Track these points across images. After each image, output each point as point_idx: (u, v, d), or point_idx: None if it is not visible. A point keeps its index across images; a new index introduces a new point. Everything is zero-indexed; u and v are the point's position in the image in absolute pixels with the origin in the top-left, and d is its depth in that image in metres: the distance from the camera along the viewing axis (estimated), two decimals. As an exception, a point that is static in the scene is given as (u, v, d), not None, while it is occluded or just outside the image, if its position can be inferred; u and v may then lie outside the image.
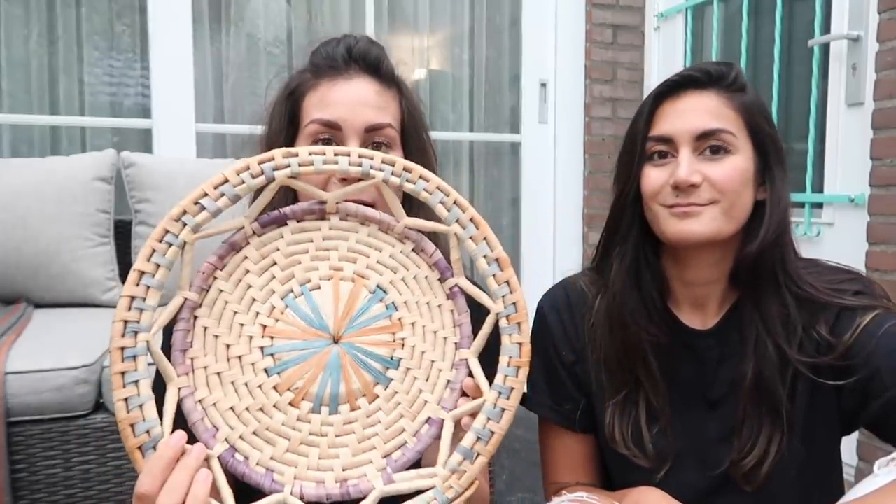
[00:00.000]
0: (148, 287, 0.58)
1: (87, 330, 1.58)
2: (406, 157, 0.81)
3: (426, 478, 0.61)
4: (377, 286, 0.66)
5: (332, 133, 0.79)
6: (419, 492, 0.61)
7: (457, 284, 0.67)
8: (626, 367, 0.83)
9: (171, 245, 0.59)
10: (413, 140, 0.84)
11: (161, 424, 0.57)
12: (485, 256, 0.64)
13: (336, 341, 0.64)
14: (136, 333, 0.57)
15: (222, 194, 0.61)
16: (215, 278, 0.63)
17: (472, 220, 0.65)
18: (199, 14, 2.30)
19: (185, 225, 0.60)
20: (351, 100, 0.79)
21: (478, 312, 0.67)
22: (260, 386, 0.62)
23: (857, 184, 1.78)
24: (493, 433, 0.62)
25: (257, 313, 0.63)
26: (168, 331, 0.62)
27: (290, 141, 0.82)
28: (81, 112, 2.26)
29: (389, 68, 0.83)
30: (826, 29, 1.90)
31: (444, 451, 0.62)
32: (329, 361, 0.63)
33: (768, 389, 0.78)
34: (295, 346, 0.63)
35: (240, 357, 0.62)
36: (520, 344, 0.64)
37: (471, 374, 0.65)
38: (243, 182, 0.61)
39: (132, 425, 0.56)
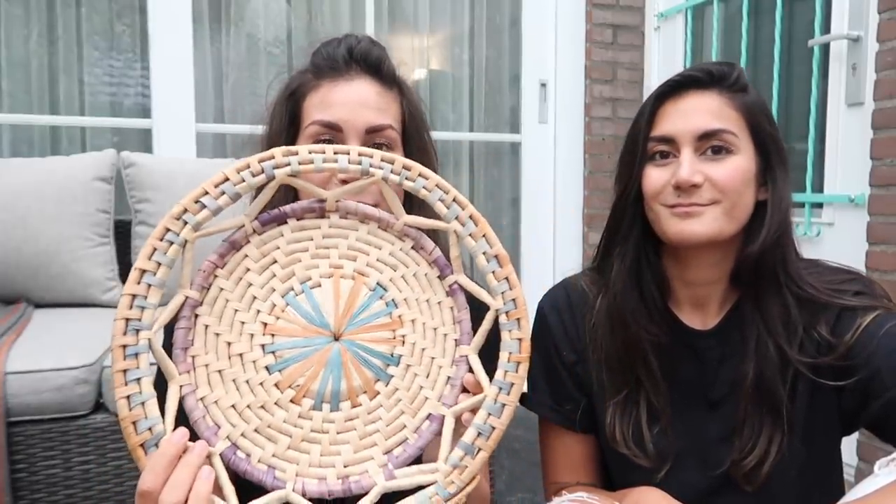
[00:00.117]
0: (149, 285, 0.58)
1: (87, 330, 1.58)
2: (407, 157, 0.81)
3: (427, 473, 0.61)
4: (377, 284, 0.66)
5: (332, 134, 0.79)
6: (420, 487, 0.61)
7: (456, 281, 0.67)
8: (626, 367, 0.83)
9: (172, 243, 0.59)
10: (414, 141, 0.84)
11: (163, 422, 0.57)
12: (484, 253, 0.65)
13: (337, 338, 0.64)
14: (137, 331, 0.57)
15: (223, 193, 0.61)
16: (216, 276, 0.63)
17: (471, 217, 0.65)
18: (199, 14, 2.30)
19: (185, 223, 0.60)
20: (352, 101, 0.79)
21: (478, 310, 0.67)
22: (261, 383, 0.62)
23: (857, 184, 1.78)
24: (493, 428, 0.62)
25: (258, 311, 0.63)
26: (169, 329, 0.62)
27: (291, 141, 0.82)
28: (81, 112, 2.26)
29: (390, 69, 0.83)
30: (826, 29, 1.90)
31: (446, 447, 0.63)
32: (330, 358, 0.63)
33: (769, 390, 0.78)
34: (296, 344, 0.63)
35: (241, 355, 0.62)
36: (520, 340, 0.64)
37: (471, 371, 0.65)
38: (244, 180, 0.61)
39: (134, 423, 0.56)
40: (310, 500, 0.60)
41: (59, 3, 2.21)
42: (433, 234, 0.70)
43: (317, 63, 0.83)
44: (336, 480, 0.61)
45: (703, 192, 0.77)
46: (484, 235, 0.65)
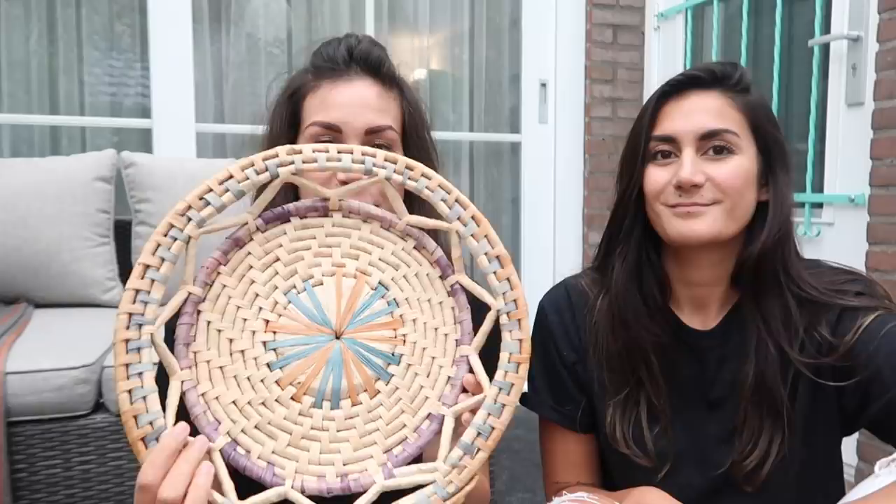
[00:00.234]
0: (153, 280, 0.58)
1: (87, 330, 1.58)
2: (407, 156, 0.81)
3: (426, 472, 0.61)
4: (379, 283, 0.66)
5: (332, 135, 0.79)
6: (419, 486, 0.61)
7: (458, 281, 0.67)
8: (627, 367, 0.83)
9: (175, 240, 0.59)
10: (414, 141, 0.84)
11: (164, 417, 0.58)
12: (486, 254, 0.65)
13: (338, 337, 0.64)
14: (140, 326, 0.58)
15: (227, 190, 0.61)
16: (219, 273, 0.64)
17: (473, 217, 0.65)
18: (199, 14, 2.30)
19: (189, 220, 0.60)
20: (351, 102, 0.79)
21: (479, 310, 0.67)
22: (262, 380, 0.62)
23: (857, 184, 1.78)
24: (493, 428, 0.62)
25: (260, 308, 0.64)
26: (171, 326, 0.62)
27: (291, 142, 0.82)
28: (81, 112, 2.26)
29: (390, 69, 0.83)
30: (826, 29, 1.90)
31: (445, 447, 0.63)
32: (331, 357, 0.63)
33: (769, 390, 0.78)
34: (297, 342, 0.63)
35: (242, 352, 0.62)
36: (520, 340, 0.64)
37: (471, 371, 0.66)
38: (248, 178, 0.62)
39: (135, 417, 0.57)
40: (309, 497, 0.60)
41: (59, 3, 2.21)
42: (434, 234, 0.70)
43: (317, 64, 0.83)
44: (335, 478, 0.61)
45: (705, 192, 0.77)
46: (486, 236, 0.65)
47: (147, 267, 0.58)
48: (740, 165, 0.78)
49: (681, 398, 0.84)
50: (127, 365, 0.57)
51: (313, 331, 0.64)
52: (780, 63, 2.06)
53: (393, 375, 0.64)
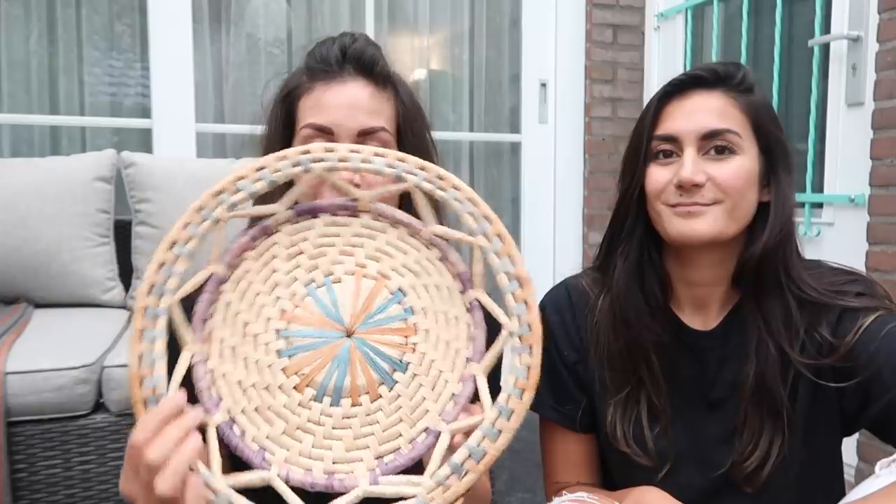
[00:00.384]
0: (178, 256, 0.60)
1: (87, 330, 1.58)
2: None
3: (411, 486, 0.60)
4: (398, 288, 0.66)
5: (325, 138, 0.78)
6: (402, 498, 0.60)
7: (476, 298, 0.66)
8: (628, 366, 0.83)
9: (205, 219, 0.61)
10: (409, 140, 0.83)
11: (168, 383, 0.59)
12: (506, 273, 0.64)
13: (349, 335, 0.64)
14: (161, 295, 0.60)
15: (260, 178, 0.62)
16: (245, 258, 0.65)
17: (498, 234, 0.64)
18: (199, 14, 2.30)
19: (221, 203, 0.62)
20: (344, 104, 0.78)
21: (494, 331, 0.65)
22: (269, 366, 0.63)
23: (857, 184, 1.78)
24: (486, 453, 0.60)
25: (279, 297, 0.64)
26: (189, 306, 0.63)
27: (287, 143, 0.82)
28: (81, 112, 2.26)
29: (384, 68, 0.82)
30: (826, 29, 1.90)
31: (435, 463, 0.61)
32: (339, 353, 0.63)
33: (769, 391, 0.78)
34: (309, 334, 0.64)
35: (256, 335, 0.63)
36: (528, 367, 0.62)
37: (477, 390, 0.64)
38: (280, 170, 0.63)
39: (141, 379, 0.58)
40: (292, 488, 0.60)
41: (59, 3, 2.21)
42: (456, 245, 0.70)
43: (310, 65, 0.82)
44: (322, 474, 0.61)
45: (706, 192, 0.77)
46: (509, 255, 0.64)
47: (174, 242, 0.60)
48: (742, 166, 0.78)
49: (681, 398, 0.84)
50: (142, 330, 0.59)
51: (326, 325, 0.64)
52: (780, 63, 2.06)
53: (397, 382, 0.64)
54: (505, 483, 1.92)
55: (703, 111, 0.78)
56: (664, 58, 2.61)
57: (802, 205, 1.95)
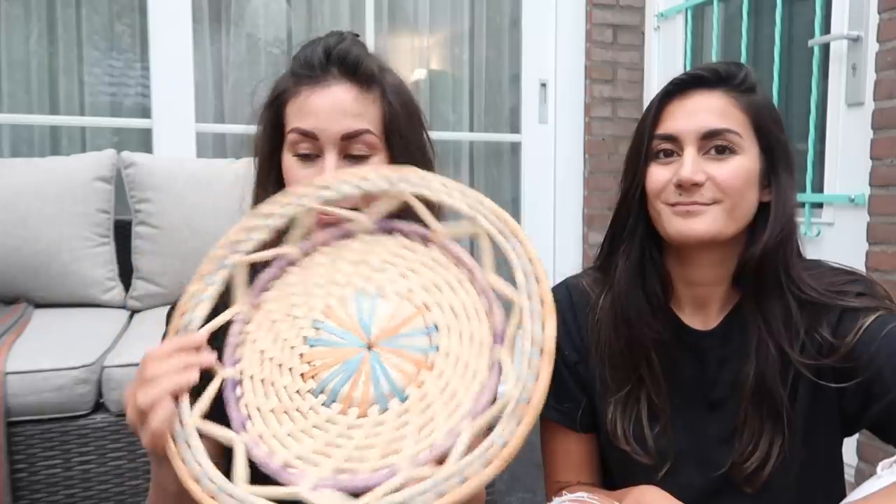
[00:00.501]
0: (255, 226, 0.67)
1: (87, 330, 1.58)
2: (392, 158, 0.80)
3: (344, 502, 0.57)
4: (434, 323, 0.64)
5: (310, 142, 0.78)
6: None
7: (500, 361, 0.61)
8: (628, 365, 0.83)
9: (283, 216, 0.68)
10: (397, 141, 0.81)
11: (199, 329, 0.65)
12: (532, 338, 0.59)
13: (370, 347, 0.64)
14: (233, 253, 0.67)
15: (347, 183, 0.68)
16: (320, 251, 0.70)
17: (541, 298, 0.60)
18: (199, 14, 2.30)
19: (304, 204, 0.67)
20: (327, 109, 0.78)
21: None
22: (292, 347, 0.65)
23: (857, 184, 1.78)
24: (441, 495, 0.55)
25: (330, 293, 0.67)
26: (253, 275, 0.69)
27: (277, 146, 0.82)
28: (81, 112, 2.26)
29: (369, 69, 0.80)
30: (826, 29, 1.90)
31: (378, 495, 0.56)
32: (351, 359, 0.63)
33: (769, 391, 0.78)
34: (336, 332, 0.65)
35: (295, 318, 0.67)
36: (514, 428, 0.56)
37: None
38: (360, 187, 0.67)
39: (183, 312, 0.66)
40: (250, 460, 0.60)
41: (59, 3, 2.21)
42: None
43: (295, 70, 0.82)
44: (281, 460, 0.60)
45: (705, 192, 0.77)
46: (543, 321, 0.59)
47: (258, 215, 0.67)
48: (741, 165, 0.78)
49: (682, 398, 0.84)
50: (204, 274, 0.67)
51: (354, 331, 0.65)
52: (780, 63, 2.06)
53: (387, 410, 0.61)
54: (505, 483, 1.92)
55: (704, 111, 0.78)
56: (664, 58, 2.61)
57: (802, 205, 1.95)
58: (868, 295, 0.79)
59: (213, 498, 0.57)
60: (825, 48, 1.89)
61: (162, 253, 1.81)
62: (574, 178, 2.70)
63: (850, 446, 1.68)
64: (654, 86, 2.60)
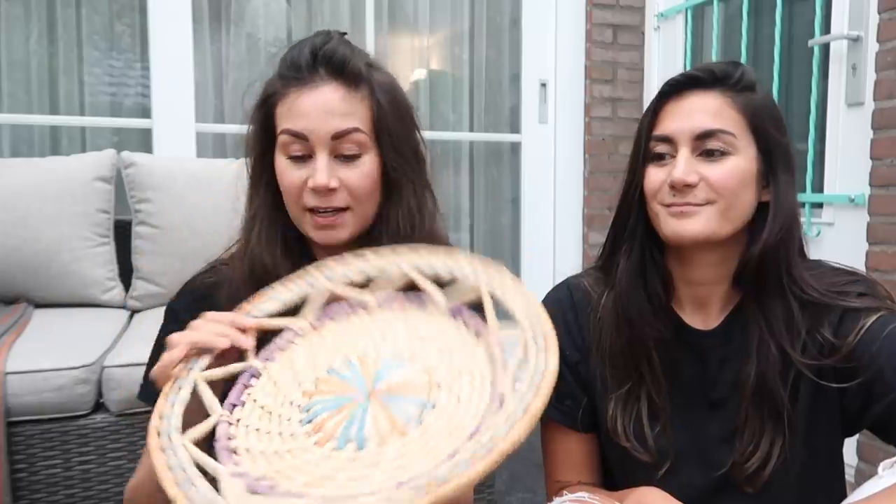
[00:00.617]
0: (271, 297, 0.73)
1: (87, 330, 1.58)
2: (382, 155, 0.81)
3: None
4: (433, 402, 0.60)
5: (301, 143, 0.79)
6: None
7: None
8: (630, 363, 0.83)
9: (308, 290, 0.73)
10: (386, 140, 0.81)
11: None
12: (521, 405, 0.55)
13: (369, 396, 0.62)
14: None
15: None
16: (356, 314, 0.71)
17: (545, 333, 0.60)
18: (199, 14, 2.30)
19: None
20: (316, 109, 0.78)
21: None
22: (317, 369, 0.67)
23: (857, 184, 1.78)
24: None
25: (375, 344, 0.68)
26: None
27: (268, 147, 0.82)
28: (81, 112, 2.26)
29: (356, 68, 0.80)
30: (826, 29, 1.90)
31: None
32: (346, 395, 0.62)
33: (770, 392, 0.78)
34: (356, 373, 0.65)
35: (338, 350, 0.68)
36: None
37: None
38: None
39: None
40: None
41: (59, 3, 2.21)
42: None
43: (283, 71, 0.82)
44: (257, 475, 0.58)
45: (698, 192, 0.77)
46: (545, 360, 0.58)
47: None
48: (736, 166, 0.78)
49: (683, 397, 0.84)
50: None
51: (369, 377, 0.64)
52: (780, 63, 2.06)
53: (341, 450, 0.59)
54: (505, 483, 1.92)
55: (698, 112, 0.79)
56: (664, 58, 2.61)
57: (802, 205, 1.95)
58: (869, 295, 0.79)
59: (162, 451, 0.58)
60: (825, 48, 1.89)
61: (162, 253, 1.81)
62: (574, 178, 2.70)
63: (850, 446, 1.68)
64: (654, 86, 2.60)
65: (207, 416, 0.64)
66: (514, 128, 2.72)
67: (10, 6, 2.16)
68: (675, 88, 0.81)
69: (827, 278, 0.81)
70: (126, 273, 1.85)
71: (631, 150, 0.86)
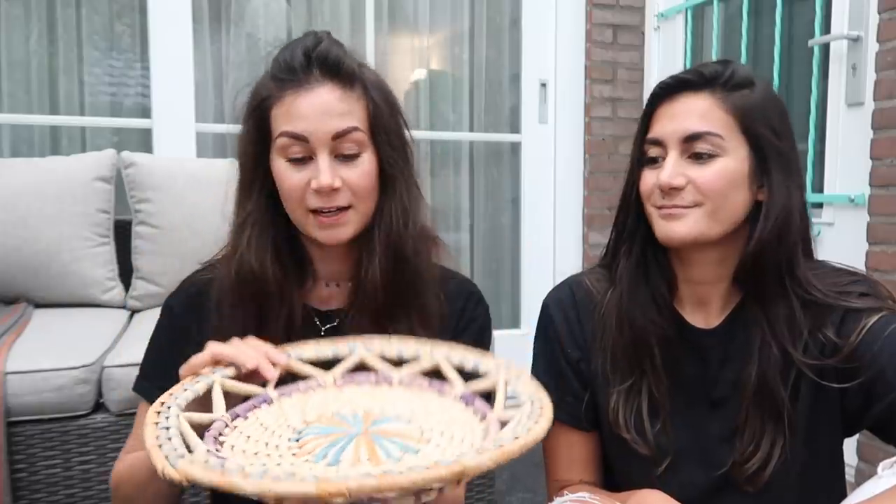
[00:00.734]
0: None
1: (87, 330, 1.58)
2: (379, 152, 0.81)
3: None
4: (418, 449, 0.61)
5: (300, 145, 0.79)
6: None
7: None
8: (632, 360, 0.84)
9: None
10: (382, 137, 0.82)
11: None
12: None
13: (362, 433, 0.64)
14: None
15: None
16: (378, 384, 0.74)
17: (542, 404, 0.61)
18: (199, 14, 2.30)
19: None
20: (314, 111, 0.78)
21: None
22: (323, 407, 0.69)
23: (857, 184, 1.78)
24: None
25: (386, 400, 0.70)
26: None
27: (263, 150, 0.83)
28: (81, 112, 2.26)
29: (350, 67, 0.81)
30: (826, 29, 1.90)
31: None
32: (339, 427, 0.65)
33: (771, 392, 0.78)
34: (357, 415, 0.67)
35: (350, 398, 0.71)
36: None
37: None
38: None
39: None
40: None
41: (59, 3, 2.21)
42: None
43: (276, 73, 0.81)
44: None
45: (685, 195, 0.78)
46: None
47: None
48: (724, 168, 0.78)
49: (684, 396, 0.84)
50: None
51: (367, 419, 0.66)
52: (780, 63, 2.06)
53: (314, 463, 0.59)
54: (505, 483, 1.92)
55: (686, 114, 0.79)
56: (664, 58, 2.61)
57: (803, 205, 1.95)
58: (871, 295, 0.79)
59: (157, 414, 0.60)
60: (825, 48, 1.89)
61: (162, 253, 1.81)
62: (574, 178, 2.70)
63: (850, 446, 1.68)
64: (653, 86, 2.60)
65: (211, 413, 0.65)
66: (514, 128, 2.72)
67: (10, 6, 2.16)
68: (666, 91, 0.82)
69: (829, 278, 0.81)
70: (126, 273, 1.85)
71: (631, 151, 0.87)
